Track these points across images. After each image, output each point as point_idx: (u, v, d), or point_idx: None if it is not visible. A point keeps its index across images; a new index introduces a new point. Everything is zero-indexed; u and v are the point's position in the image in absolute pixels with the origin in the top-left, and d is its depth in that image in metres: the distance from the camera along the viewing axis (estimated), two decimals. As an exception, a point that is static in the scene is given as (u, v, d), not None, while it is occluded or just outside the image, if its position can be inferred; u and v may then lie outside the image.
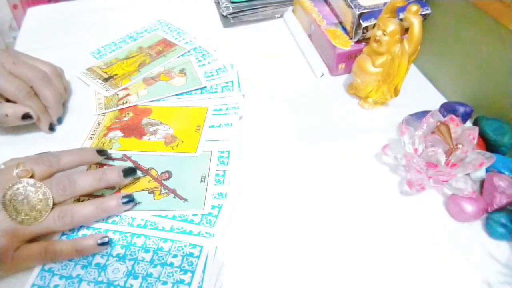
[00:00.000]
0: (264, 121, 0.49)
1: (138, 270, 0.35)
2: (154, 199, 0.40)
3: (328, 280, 0.34)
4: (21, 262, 0.34)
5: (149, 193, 0.40)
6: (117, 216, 0.38)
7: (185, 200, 0.40)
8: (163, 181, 0.41)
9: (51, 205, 0.34)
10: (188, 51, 0.58)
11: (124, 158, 0.44)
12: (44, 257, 0.34)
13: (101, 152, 0.40)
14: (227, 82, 0.53)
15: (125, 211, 0.38)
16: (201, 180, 0.41)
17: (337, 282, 0.34)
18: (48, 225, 0.34)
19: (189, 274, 0.34)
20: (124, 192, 0.40)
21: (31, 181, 0.34)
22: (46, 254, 0.34)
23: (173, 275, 0.34)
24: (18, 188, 0.34)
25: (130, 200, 0.38)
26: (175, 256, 0.35)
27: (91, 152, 0.40)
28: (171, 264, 0.35)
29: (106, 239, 0.35)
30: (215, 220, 0.38)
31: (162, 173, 0.42)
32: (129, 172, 0.39)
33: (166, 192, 0.40)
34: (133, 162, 0.43)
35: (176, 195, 0.40)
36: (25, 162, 0.35)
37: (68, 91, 0.52)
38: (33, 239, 0.35)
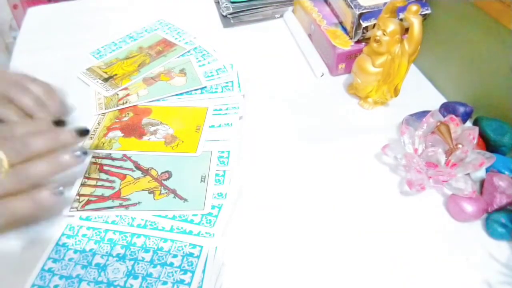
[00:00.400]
0: (264, 121, 0.49)
1: (138, 270, 0.35)
2: (154, 199, 0.40)
3: (328, 280, 0.34)
4: None
5: (149, 193, 0.40)
6: (117, 216, 0.38)
7: (185, 200, 0.40)
8: (163, 181, 0.41)
9: (6, 166, 0.34)
10: (188, 51, 0.58)
11: (124, 158, 0.44)
12: (4, 215, 0.34)
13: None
14: (227, 82, 0.53)
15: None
16: (201, 180, 0.41)
17: (337, 282, 0.34)
18: (4, 185, 0.34)
19: (189, 274, 0.34)
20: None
21: None
22: (6, 211, 0.34)
23: (173, 275, 0.34)
24: None
25: (84, 152, 0.38)
26: (175, 256, 0.35)
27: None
28: (171, 264, 0.35)
29: (61, 188, 0.36)
30: (215, 220, 0.38)
31: (162, 173, 0.42)
32: (83, 132, 0.39)
33: (166, 192, 0.40)
34: (133, 162, 0.43)
35: (176, 195, 0.40)
36: None
37: (65, 107, 0.49)
38: None
